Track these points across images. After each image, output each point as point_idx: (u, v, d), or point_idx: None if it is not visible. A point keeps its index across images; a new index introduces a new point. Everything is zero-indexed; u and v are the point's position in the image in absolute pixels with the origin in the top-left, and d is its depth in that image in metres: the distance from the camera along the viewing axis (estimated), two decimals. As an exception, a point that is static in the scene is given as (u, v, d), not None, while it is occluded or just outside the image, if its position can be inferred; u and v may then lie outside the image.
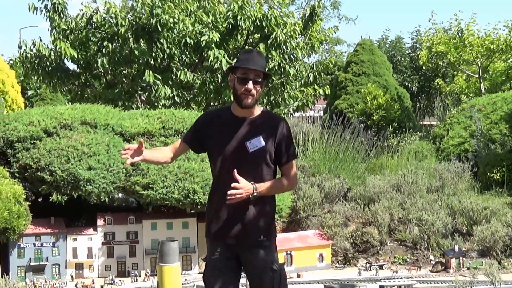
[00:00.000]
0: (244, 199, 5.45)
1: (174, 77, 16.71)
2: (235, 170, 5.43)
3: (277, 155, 5.67)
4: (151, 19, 15.68)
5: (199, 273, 11.84)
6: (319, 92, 18.31)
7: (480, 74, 27.86)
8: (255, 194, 5.48)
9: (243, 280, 6.23)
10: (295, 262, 12.41)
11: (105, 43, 16.06)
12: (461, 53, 27.74)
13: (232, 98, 5.76)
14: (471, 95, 28.46)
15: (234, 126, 5.66)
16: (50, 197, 12.98)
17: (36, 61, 16.63)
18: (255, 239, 5.72)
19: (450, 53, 27.92)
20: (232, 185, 5.37)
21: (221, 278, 5.82)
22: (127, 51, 16.37)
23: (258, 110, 5.74)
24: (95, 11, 16.40)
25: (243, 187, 5.40)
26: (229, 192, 5.36)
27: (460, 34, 27.81)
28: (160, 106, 15.85)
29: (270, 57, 16.73)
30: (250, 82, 5.53)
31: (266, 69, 5.76)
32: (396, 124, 22.71)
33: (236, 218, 5.67)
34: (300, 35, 17.72)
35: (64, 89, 18.11)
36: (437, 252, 12.93)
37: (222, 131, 5.67)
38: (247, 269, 5.88)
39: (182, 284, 10.94)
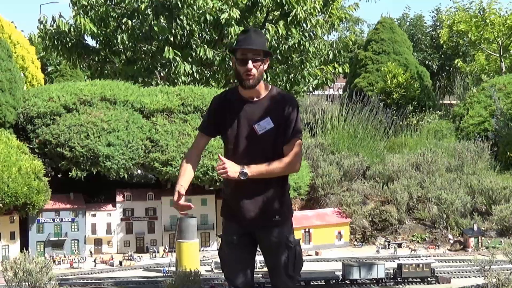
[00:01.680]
0: (236, 179, 5.50)
1: (193, 53, 16.66)
2: (219, 154, 5.56)
3: (280, 133, 5.62)
4: (171, -4, 15.64)
5: (217, 249, 11.86)
6: (338, 70, 18.28)
7: (501, 53, 27.64)
8: (244, 171, 5.47)
9: (260, 257, 6.21)
10: (314, 240, 12.41)
11: (124, 19, 16.05)
12: (482, 32, 27.53)
13: None
14: (491, 74, 28.26)
15: (242, 109, 5.65)
16: (69, 173, 13.01)
17: (56, 37, 16.65)
18: (270, 220, 5.72)
19: (471, 32, 27.71)
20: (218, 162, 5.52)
21: (236, 254, 5.86)
22: (147, 28, 16.35)
23: (265, 89, 5.69)
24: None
25: (228, 167, 5.47)
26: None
27: (481, 13, 27.59)
28: (179, 83, 15.84)
29: (290, 34, 16.67)
30: (250, 62, 5.48)
31: (275, 47, 5.77)
32: (415, 103, 22.63)
33: (251, 201, 5.67)
34: (320, 13, 17.65)
35: (84, 65, 18.13)
36: (455, 231, 12.89)
37: (232, 115, 5.67)
38: (262, 246, 5.88)
39: (200, 260, 10.97)
